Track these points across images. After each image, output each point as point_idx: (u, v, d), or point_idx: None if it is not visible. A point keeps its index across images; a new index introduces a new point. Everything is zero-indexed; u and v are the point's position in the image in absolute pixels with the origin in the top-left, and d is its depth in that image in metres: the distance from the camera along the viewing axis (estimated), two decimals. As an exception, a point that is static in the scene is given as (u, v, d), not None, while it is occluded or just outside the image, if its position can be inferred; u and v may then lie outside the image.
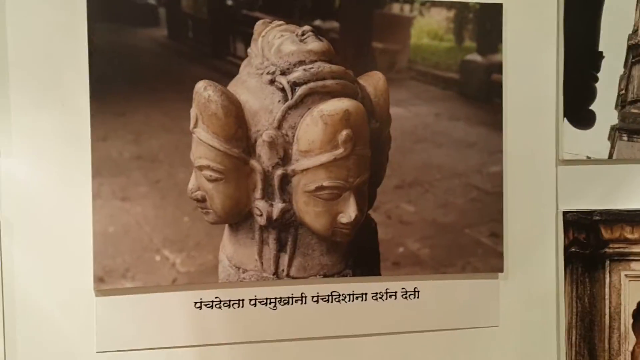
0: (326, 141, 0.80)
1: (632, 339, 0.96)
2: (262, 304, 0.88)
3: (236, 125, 0.80)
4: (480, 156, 0.93)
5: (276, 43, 0.82)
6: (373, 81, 0.86)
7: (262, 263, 0.85)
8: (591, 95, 0.94)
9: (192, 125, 0.82)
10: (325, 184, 0.81)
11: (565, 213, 0.95)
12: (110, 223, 0.83)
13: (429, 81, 0.91)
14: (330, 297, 0.90)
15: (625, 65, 0.94)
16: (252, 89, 0.81)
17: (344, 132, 0.80)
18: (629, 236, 0.95)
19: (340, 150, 0.80)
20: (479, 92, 0.93)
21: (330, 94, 0.81)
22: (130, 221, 0.84)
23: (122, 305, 0.84)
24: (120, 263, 0.83)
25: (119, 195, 0.83)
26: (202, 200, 0.83)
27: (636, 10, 0.93)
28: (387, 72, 0.88)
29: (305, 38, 0.83)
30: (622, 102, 0.94)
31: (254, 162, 0.81)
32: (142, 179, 0.84)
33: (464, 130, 0.92)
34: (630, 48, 0.94)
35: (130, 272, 0.84)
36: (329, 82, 0.81)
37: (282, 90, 0.81)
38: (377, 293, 0.92)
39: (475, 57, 0.92)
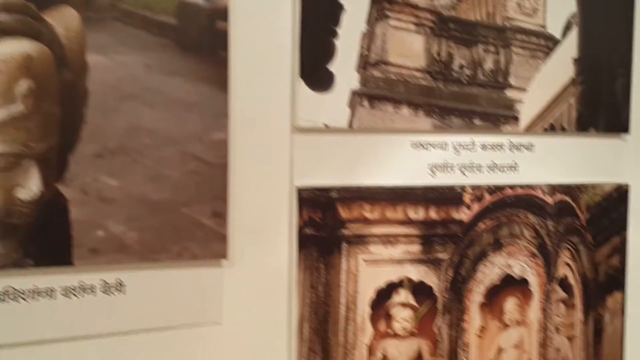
0: (-1, 94, 0.82)
1: (369, 330, 1.16)
2: None
3: None
4: (202, 120, 1.03)
5: None
6: (64, 19, 0.90)
7: None
8: (330, 52, 1.09)
9: None
10: (-2, 149, 0.84)
11: (300, 189, 1.10)
12: None
13: (139, 24, 0.97)
14: (4, 295, 0.94)
15: (368, 22, 1.12)
16: None
17: (24, 84, 0.84)
18: (368, 216, 1.14)
19: (19, 107, 0.84)
20: (201, 41, 1.02)
21: (4, 33, 0.84)
22: None
23: None
24: None
25: None
26: None
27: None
28: (82, 8, 0.92)
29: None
30: (364, 64, 1.12)
31: None
32: None
33: (182, 88, 1.01)
34: (374, 1, 1.11)
35: None
36: (2, 17, 0.84)
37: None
38: (68, 288, 0.97)
39: (196, 0, 1.01)
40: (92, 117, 0.95)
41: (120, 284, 1.01)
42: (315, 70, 1.09)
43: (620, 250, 1.34)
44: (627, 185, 1.33)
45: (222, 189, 1.05)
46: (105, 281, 1.00)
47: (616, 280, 1.35)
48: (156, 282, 1.03)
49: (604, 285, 1.34)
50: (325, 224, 1.12)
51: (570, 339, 1.32)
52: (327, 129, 1.11)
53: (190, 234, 1.03)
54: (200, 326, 1.06)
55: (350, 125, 1.12)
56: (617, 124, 1.32)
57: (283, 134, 1.09)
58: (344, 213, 1.13)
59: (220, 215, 1.05)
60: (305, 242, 1.11)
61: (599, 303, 1.33)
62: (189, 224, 1.03)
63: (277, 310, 1.11)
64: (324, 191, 1.11)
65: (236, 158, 1.06)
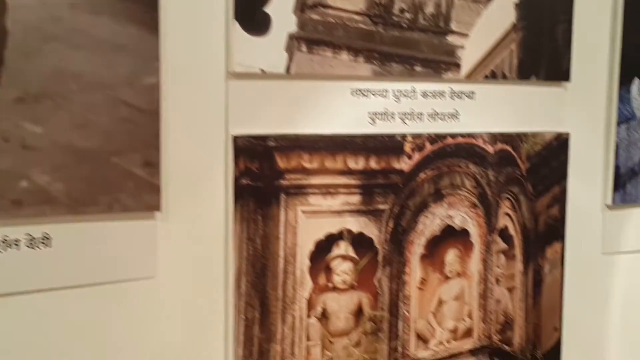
0: None
1: (308, 283, 1.17)
2: None
3: None
4: (131, 64, 1.01)
5: None
6: (-21, -48, 0.88)
7: None
8: (266, -6, 1.08)
9: None
10: None
11: (236, 138, 1.09)
12: None
13: (61, -41, 0.94)
14: None
15: (304, -39, 1.11)
16: None
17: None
18: (307, 165, 1.14)
19: None
20: (129, -21, 1.00)
21: None
22: None
23: None
24: None
25: None
26: None
27: None
28: (0, -59, 0.90)
29: None
30: (301, 6, 1.11)
31: None
32: None
33: (110, 29, 0.99)
34: (311, -59, 1.11)
35: None
36: None
37: None
38: (-10, 242, 0.96)
39: None
40: (13, 59, 0.93)
41: (47, 238, 0.99)
42: (250, 12, 1.08)
43: (560, 200, 1.38)
44: (567, 134, 1.36)
45: (154, 137, 1.03)
46: (30, 235, 0.98)
47: (556, 231, 1.39)
48: (85, 236, 1.01)
49: (544, 235, 1.37)
50: (263, 174, 1.12)
51: (510, 290, 1.35)
52: (263, 75, 1.10)
53: (121, 185, 1.02)
54: (133, 281, 1.05)
55: (288, 70, 1.12)
56: (558, 72, 1.34)
57: (217, 80, 1.08)
58: (281, 163, 1.13)
59: (153, 164, 1.04)
60: (241, 193, 1.11)
61: (538, 254, 1.37)
62: (119, 175, 1.01)
63: (213, 264, 1.11)
64: (261, 140, 1.11)
65: (168, 104, 1.05)
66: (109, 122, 1.00)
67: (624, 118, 1.41)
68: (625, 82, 1.41)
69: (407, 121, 1.23)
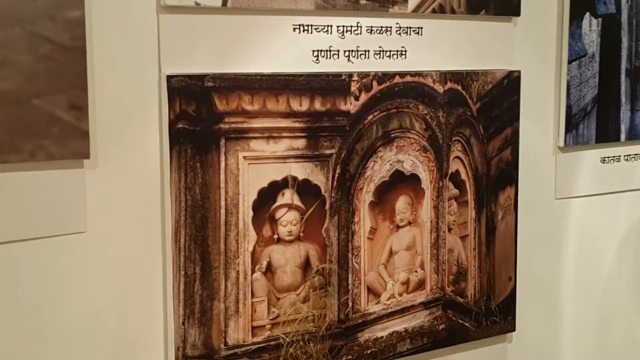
0: None
1: (252, 236, 1.14)
2: None
3: None
4: (52, -6, 0.96)
5: None
6: None
7: None
8: None
9: None
10: None
11: (170, 78, 1.05)
12: None
13: None
14: None
15: None
16: None
17: None
18: (248, 107, 1.11)
19: None
20: None
21: None
22: None
23: None
24: None
25: None
26: None
27: None
28: None
29: None
30: None
31: None
32: None
33: (26, -45, 0.94)
34: None
35: None
36: None
37: None
38: None
39: None
40: None
41: (-37, 190, 0.95)
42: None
43: (512, 142, 1.38)
44: (518, 72, 1.36)
45: (80, 77, 1.00)
46: (-55, 187, 0.94)
47: (508, 175, 1.39)
48: (6, 188, 0.97)
49: (496, 180, 1.38)
50: (200, 117, 1.08)
51: (463, 238, 1.36)
52: (198, 8, 1.07)
53: (45, 130, 0.98)
54: (61, 237, 1.02)
55: (225, 3, 1.08)
56: (508, 6, 1.34)
57: (148, 13, 1.04)
58: (220, 104, 1.10)
59: (79, 107, 1.00)
60: (178, 138, 1.07)
61: (491, 200, 1.38)
62: (42, 119, 0.97)
63: (149, 216, 1.08)
64: (198, 79, 1.08)
65: (95, 41, 1.01)
66: (29, 60, 0.96)
67: (576, 55, 1.42)
68: (576, 17, 1.41)
69: (352, 59, 1.21)
